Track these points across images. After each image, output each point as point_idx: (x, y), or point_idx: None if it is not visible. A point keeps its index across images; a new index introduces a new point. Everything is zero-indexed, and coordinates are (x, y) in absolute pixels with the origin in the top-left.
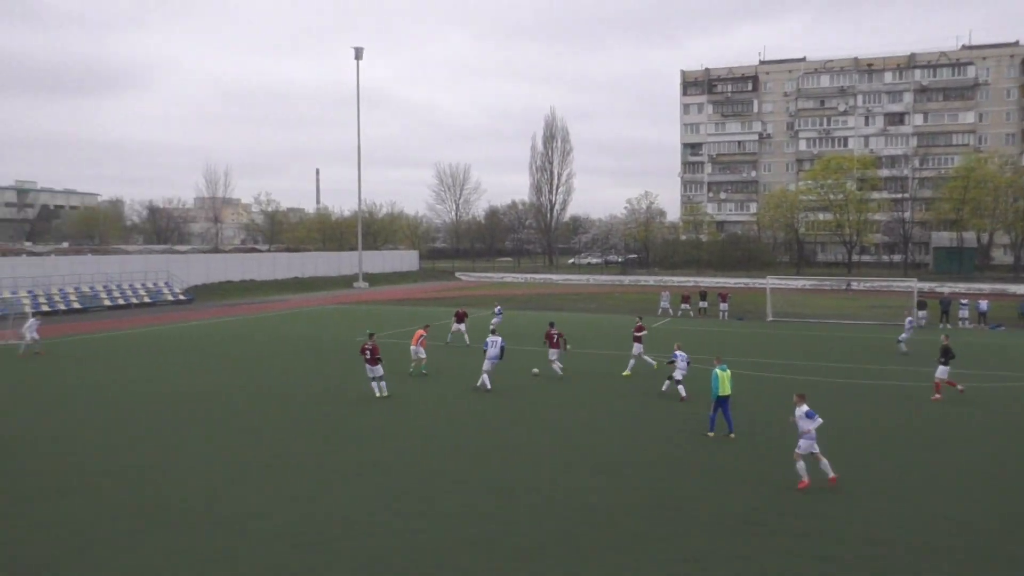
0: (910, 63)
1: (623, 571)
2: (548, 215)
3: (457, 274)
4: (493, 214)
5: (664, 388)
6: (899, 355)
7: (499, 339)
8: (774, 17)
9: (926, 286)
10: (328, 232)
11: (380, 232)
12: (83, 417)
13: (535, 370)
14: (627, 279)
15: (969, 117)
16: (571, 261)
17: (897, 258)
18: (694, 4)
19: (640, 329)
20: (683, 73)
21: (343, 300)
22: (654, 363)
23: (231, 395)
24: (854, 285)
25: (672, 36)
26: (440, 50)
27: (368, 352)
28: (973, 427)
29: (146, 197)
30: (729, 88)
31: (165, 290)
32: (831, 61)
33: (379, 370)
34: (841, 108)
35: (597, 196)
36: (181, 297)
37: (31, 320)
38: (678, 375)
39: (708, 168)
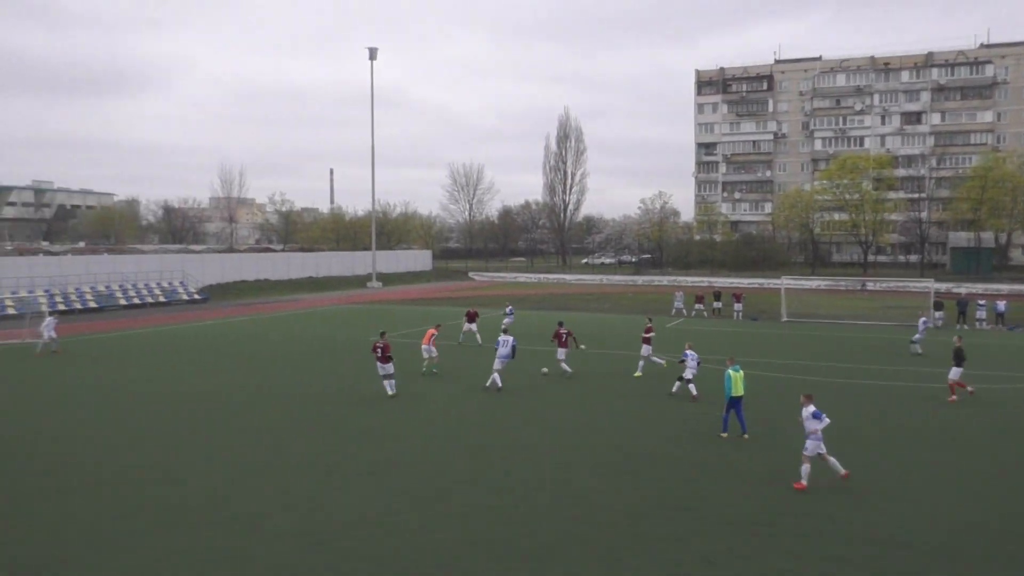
0: (927, 62)
1: (633, 571)
2: (561, 215)
3: (470, 274)
4: (506, 214)
5: (675, 389)
6: (913, 356)
7: (511, 338)
8: (790, 16)
9: (943, 287)
10: (342, 232)
11: (394, 232)
12: (97, 416)
13: (544, 369)
14: (640, 279)
15: (987, 116)
16: (584, 261)
17: (914, 258)
18: (708, 3)
19: (649, 331)
20: (697, 72)
21: (357, 300)
22: (663, 362)
23: (243, 394)
24: (869, 285)
25: (686, 35)
26: (455, 50)
27: (379, 350)
28: (985, 429)
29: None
30: (744, 87)
31: (180, 290)
32: (847, 60)
33: (390, 368)
34: (857, 107)
35: (611, 196)
36: (196, 297)
37: (48, 319)
38: (688, 374)
39: (722, 168)
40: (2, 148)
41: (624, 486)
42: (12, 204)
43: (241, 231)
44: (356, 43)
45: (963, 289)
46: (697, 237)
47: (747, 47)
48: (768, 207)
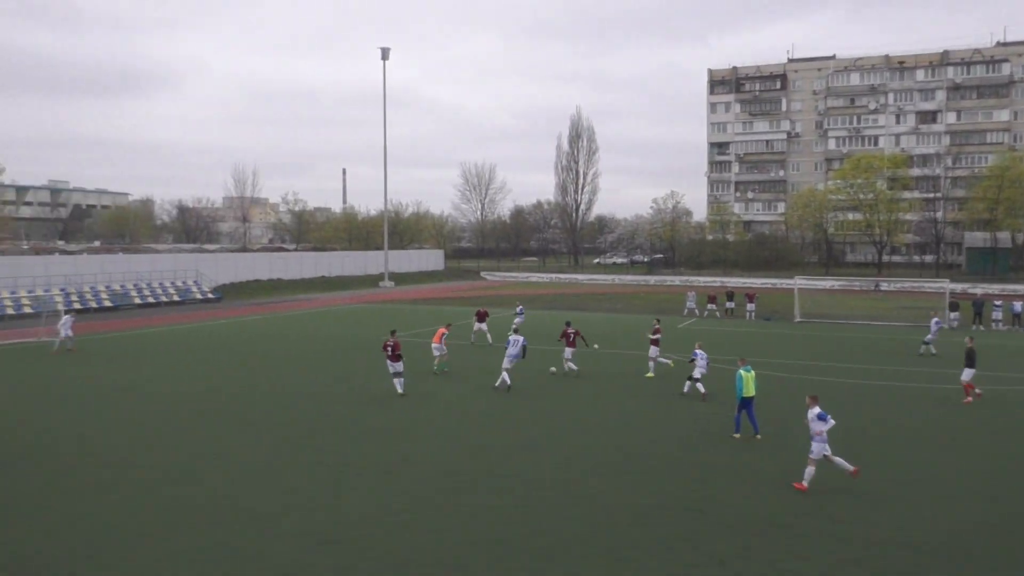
0: (943, 60)
1: (643, 572)
2: (573, 215)
3: (482, 274)
4: (518, 214)
5: (685, 389)
6: (925, 357)
7: (521, 338)
8: (803, 15)
9: (959, 287)
10: (354, 232)
11: (406, 232)
12: (111, 414)
13: (552, 369)
14: (653, 279)
15: (1003, 115)
16: (596, 261)
17: (929, 258)
18: (721, 3)
19: (657, 331)
20: (710, 72)
21: (369, 299)
22: (670, 362)
23: (256, 393)
24: (883, 286)
25: (699, 35)
26: (467, 50)
27: (389, 349)
28: (996, 430)
29: (176, 197)
30: (757, 87)
31: (194, 289)
32: (861, 59)
33: (399, 367)
34: (872, 106)
35: (623, 196)
36: (210, 296)
37: (65, 317)
38: (697, 373)
39: (735, 167)
40: (19, 148)
41: (634, 486)
42: (29, 204)
43: (254, 231)
44: (369, 43)
45: (979, 290)
46: (710, 237)
47: (760, 46)
48: (781, 207)
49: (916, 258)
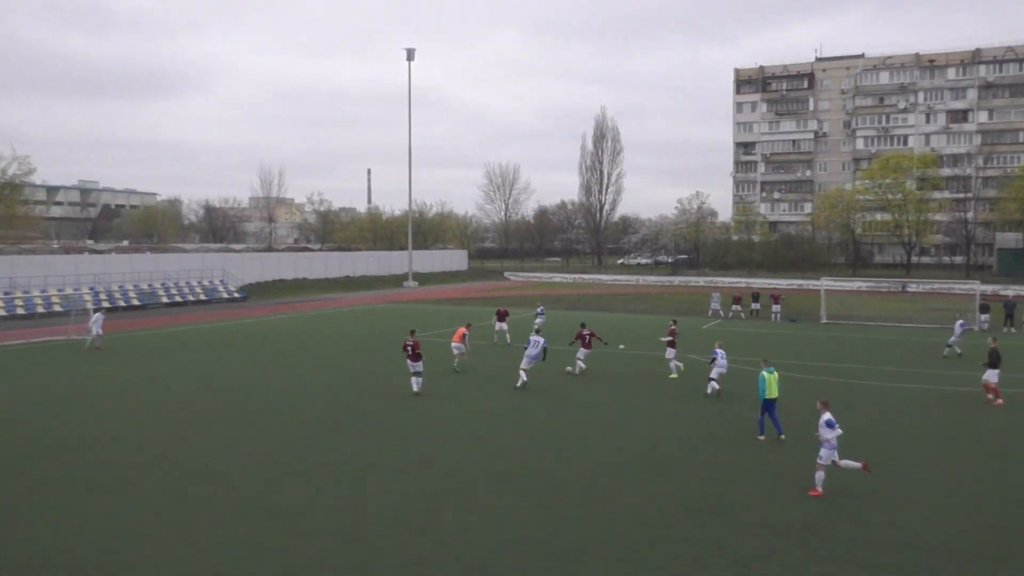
0: (974, 59)
1: (670, 574)
2: (597, 215)
3: (506, 274)
4: (542, 214)
5: (708, 391)
6: (952, 358)
7: (541, 339)
8: (831, 14)
9: (989, 288)
10: (379, 232)
11: (430, 232)
12: (138, 412)
13: (568, 368)
14: (677, 280)
15: None
16: (620, 261)
17: (959, 260)
18: (748, 2)
19: (673, 332)
20: (736, 71)
21: (393, 299)
22: (676, 370)
23: (281, 392)
24: (912, 287)
25: (725, 34)
26: (491, 50)
27: (409, 348)
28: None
29: (203, 197)
30: (784, 86)
31: (220, 288)
32: (891, 57)
33: (419, 366)
34: (901, 105)
35: (647, 196)
36: (236, 295)
37: (96, 315)
38: (714, 373)
39: (761, 167)
40: (50, 149)
41: (657, 488)
42: (59, 204)
43: (280, 230)
44: (394, 44)
45: (1010, 292)
46: (735, 237)
47: (787, 45)
48: (808, 207)
49: (946, 259)
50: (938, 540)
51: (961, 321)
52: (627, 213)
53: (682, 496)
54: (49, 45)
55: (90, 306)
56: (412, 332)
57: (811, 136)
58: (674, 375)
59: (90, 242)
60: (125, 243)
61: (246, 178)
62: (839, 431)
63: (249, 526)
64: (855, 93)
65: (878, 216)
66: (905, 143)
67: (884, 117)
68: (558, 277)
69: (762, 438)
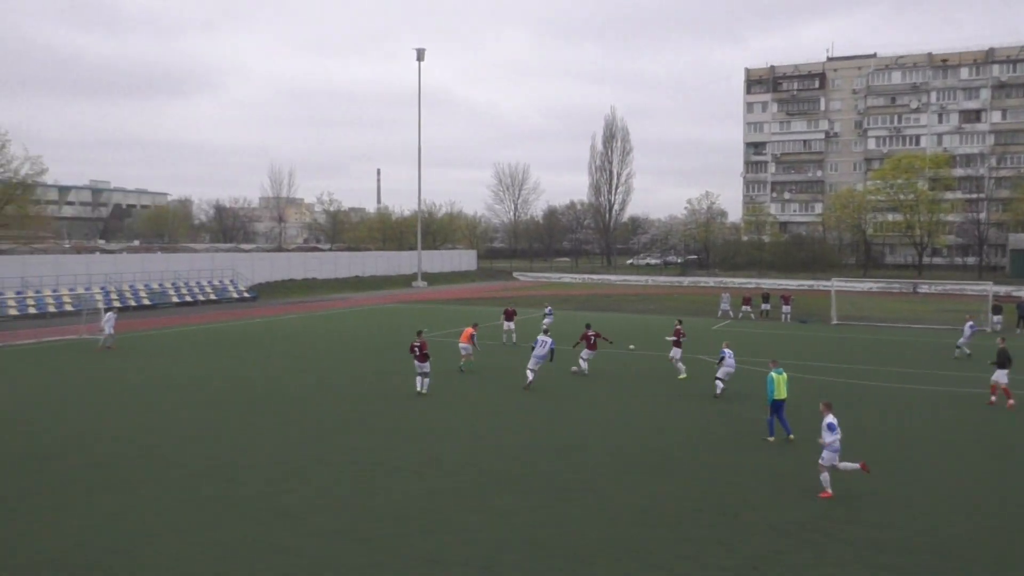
0: (988, 58)
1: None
2: (607, 215)
3: (515, 274)
4: (551, 214)
5: (717, 392)
6: (962, 359)
7: (549, 340)
8: (843, 13)
9: (1002, 290)
10: (388, 232)
11: (439, 232)
12: (149, 411)
13: (574, 368)
14: (686, 280)
15: None
16: (630, 262)
17: (971, 261)
18: (759, 2)
19: (678, 332)
20: (747, 71)
21: (402, 299)
22: (679, 373)
23: (292, 391)
24: (923, 288)
25: (736, 34)
26: (501, 50)
27: (416, 350)
28: None
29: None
30: (795, 86)
31: (230, 288)
32: (903, 57)
33: (426, 367)
34: (913, 105)
35: (657, 196)
36: (245, 295)
37: (109, 314)
38: (721, 372)
39: (772, 168)
40: (62, 149)
41: (667, 488)
42: (71, 203)
43: (290, 230)
44: (403, 44)
45: (1023, 292)
46: (745, 238)
47: (798, 45)
48: (818, 207)
49: (958, 260)
50: (946, 541)
51: (971, 323)
52: (636, 213)
53: (689, 496)
54: (61, 45)
55: (101, 305)
56: (419, 333)
57: (822, 136)
58: (683, 375)
59: (101, 242)
60: (136, 243)
61: (256, 178)
62: (838, 435)
63: (255, 526)
64: (867, 93)
65: (889, 217)
66: (917, 143)
67: (896, 117)
68: (567, 277)
69: (771, 439)
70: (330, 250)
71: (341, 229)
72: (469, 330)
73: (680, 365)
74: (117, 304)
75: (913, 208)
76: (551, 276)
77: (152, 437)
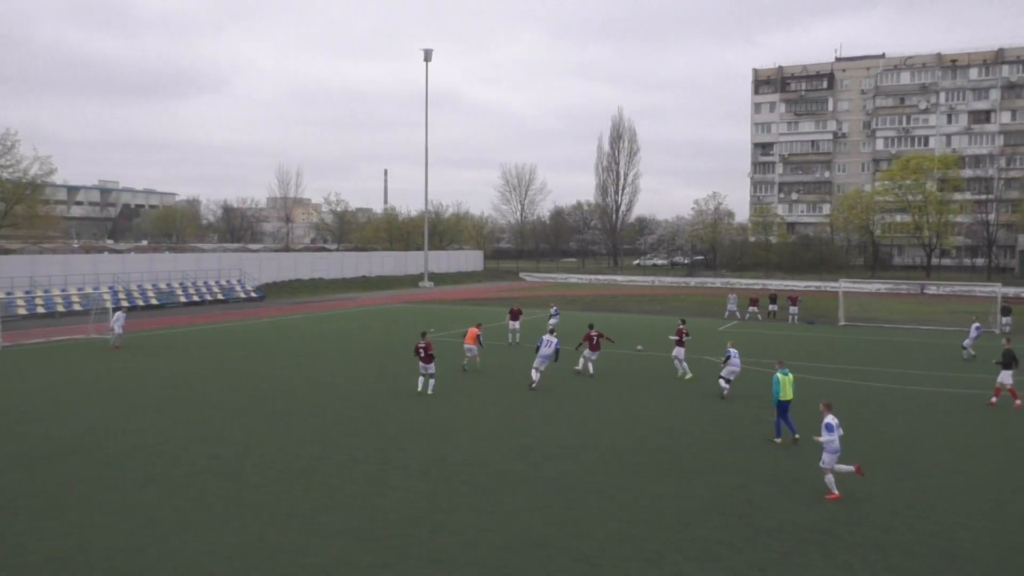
0: (997, 59)
1: None
2: (614, 216)
3: (521, 274)
4: (558, 215)
5: (725, 392)
6: (970, 360)
7: (555, 340)
8: (851, 13)
9: (1011, 291)
10: (395, 232)
11: (446, 232)
12: (157, 410)
13: (577, 368)
14: (693, 281)
15: None
16: (636, 262)
17: (980, 262)
18: (767, 2)
19: (681, 332)
20: (755, 71)
21: (409, 299)
22: (684, 373)
23: (298, 391)
24: (931, 289)
25: (744, 34)
26: (509, 51)
27: (421, 351)
28: None
29: (221, 197)
30: (803, 86)
31: (238, 287)
32: (912, 57)
33: (431, 368)
34: (922, 106)
35: (664, 197)
36: (253, 295)
37: (118, 313)
38: (725, 372)
39: (779, 168)
40: (71, 149)
41: (674, 490)
42: (79, 203)
43: (297, 231)
44: (412, 44)
45: None
46: (752, 239)
47: (807, 45)
48: (826, 208)
49: (967, 261)
50: (953, 544)
51: (977, 324)
52: (643, 214)
53: (699, 498)
54: (71, 46)
55: (109, 305)
56: (423, 334)
57: (830, 137)
58: (689, 375)
59: (110, 241)
60: (144, 243)
61: (264, 178)
62: (833, 436)
63: (266, 525)
64: (875, 93)
65: (898, 218)
66: (926, 144)
67: (905, 118)
68: (574, 278)
69: (779, 440)
70: (337, 250)
71: (348, 229)
72: (474, 330)
73: (684, 365)
74: (125, 304)
75: (922, 209)
76: (558, 277)
77: (159, 436)
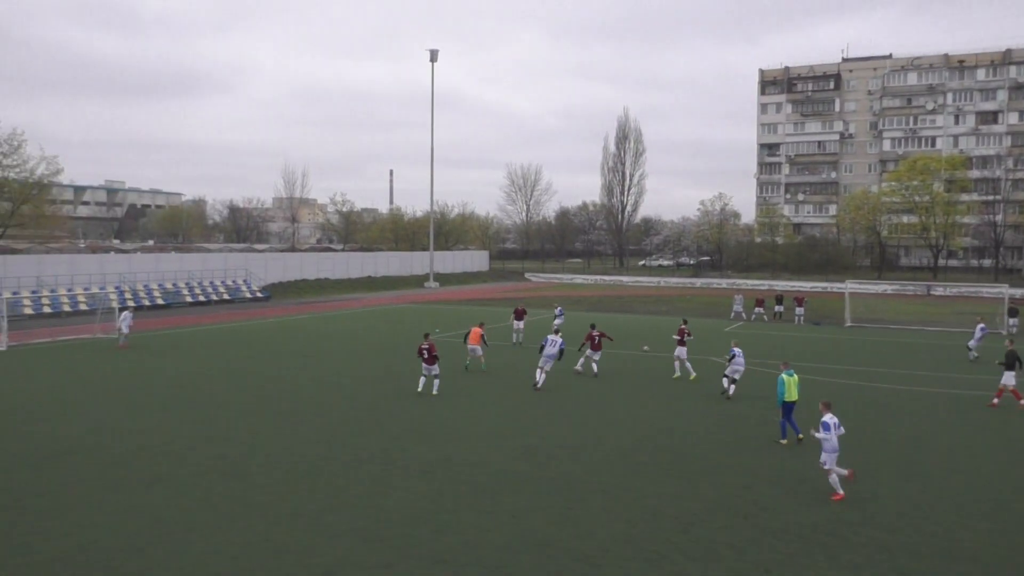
0: (1005, 59)
1: None
2: (619, 216)
3: (527, 275)
4: (564, 215)
5: (730, 393)
6: (975, 362)
7: (559, 339)
8: (858, 14)
9: (1019, 292)
10: (400, 232)
11: (451, 232)
12: (163, 410)
13: (577, 367)
14: (699, 281)
15: None
16: (642, 263)
17: (987, 263)
18: (773, 2)
19: (682, 332)
20: (761, 72)
21: (414, 299)
22: (682, 373)
23: (304, 391)
24: (937, 290)
25: (750, 34)
26: (514, 51)
27: (424, 352)
28: None
29: (227, 197)
30: (810, 87)
31: (243, 287)
32: (919, 58)
33: (435, 369)
34: (929, 107)
35: (669, 197)
36: (258, 295)
37: (125, 313)
38: (729, 371)
39: (785, 169)
40: (78, 149)
41: (678, 490)
42: (86, 203)
43: (303, 231)
44: (417, 45)
45: None
46: (758, 239)
47: (813, 46)
48: (832, 209)
49: (974, 262)
50: (958, 545)
51: (982, 325)
52: (649, 214)
53: (703, 499)
54: (77, 46)
55: (115, 305)
56: (427, 335)
57: (836, 137)
58: (693, 375)
59: (116, 241)
60: (150, 243)
61: (270, 179)
62: (828, 435)
63: (271, 525)
64: (882, 94)
65: (904, 219)
66: (933, 145)
67: (912, 118)
68: (579, 278)
69: (784, 441)
70: (343, 250)
71: (354, 229)
72: (477, 330)
73: (687, 365)
74: (132, 304)
75: (929, 210)
76: (563, 277)
77: (165, 436)
